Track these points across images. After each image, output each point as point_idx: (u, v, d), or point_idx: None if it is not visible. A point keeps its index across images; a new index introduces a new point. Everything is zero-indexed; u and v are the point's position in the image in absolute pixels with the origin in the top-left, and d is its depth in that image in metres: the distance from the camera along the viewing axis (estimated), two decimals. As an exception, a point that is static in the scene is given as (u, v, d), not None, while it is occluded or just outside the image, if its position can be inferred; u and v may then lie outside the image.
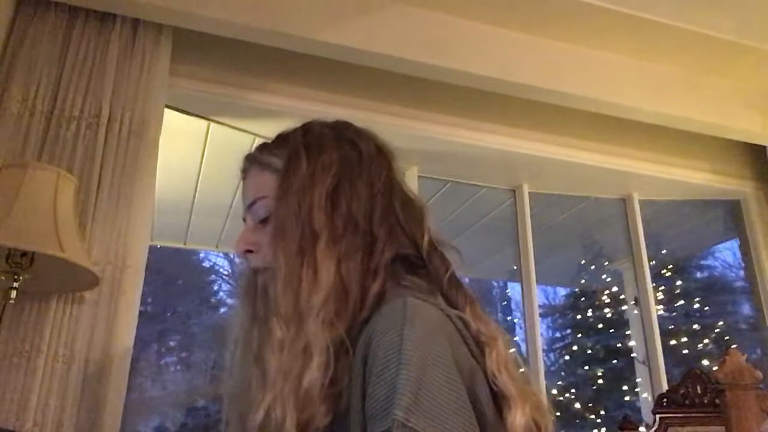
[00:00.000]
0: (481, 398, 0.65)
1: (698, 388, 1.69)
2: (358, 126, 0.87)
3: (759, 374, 1.33)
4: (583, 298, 6.46)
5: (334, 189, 0.76)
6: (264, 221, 0.81)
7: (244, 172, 0.86)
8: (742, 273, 3.75)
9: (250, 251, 0.82)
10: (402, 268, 0.76)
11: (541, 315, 3.28)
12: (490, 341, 0.70)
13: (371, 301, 0.71)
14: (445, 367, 0.62)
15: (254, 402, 0.70)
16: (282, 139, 0.85)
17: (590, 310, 6.30)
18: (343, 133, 0.83)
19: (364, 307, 0.70)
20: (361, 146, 0.81)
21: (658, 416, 1.73)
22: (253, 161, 0.85)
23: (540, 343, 2.71)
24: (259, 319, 0.81)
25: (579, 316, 6.50)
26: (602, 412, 5.95)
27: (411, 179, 2.74)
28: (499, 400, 0.67)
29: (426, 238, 0.78)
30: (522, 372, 0.72)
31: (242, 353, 0.82)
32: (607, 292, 5.78)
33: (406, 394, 0.59)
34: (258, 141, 2.59)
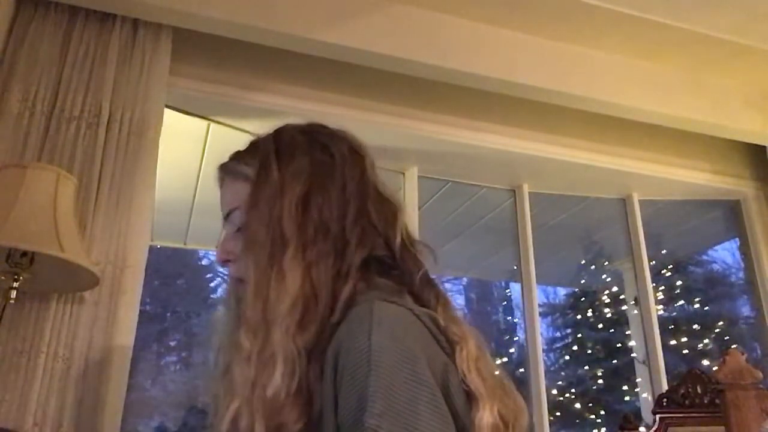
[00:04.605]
0: (454, 394, 0.66)
1: (698, 388, 1.69)
2: (332, 127, 0.86)
3: (759, 374, 1.32)
4: (583, 298, 6.47)
5: (304, 196, 0.76)
6: (240, 230, 0.80)
7: (220, 181, 0.86)
8: (741, 273, 3.74)
9: (228, 260, 0.82)
10: (373, 270, 0.75)
11: (541, 314, 3.28)
12: (460, 340, 0.71)
13: (342, 305, 0.70)
14: (415, 369, 0.62)
15: (221, 410, 0.70)
16: (253, 146, 0.85)
17: (590, 310, 6.30)
18: (314, 138, 0.82)
19: (335, 311, 0.70)
20: (333, 150, 0.80)
21: (658, 416, 1.74)
22: (226, 171, 0.86)
23: (540, 343, 2.71)
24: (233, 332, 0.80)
25: (579, 316, 6.50)
26: (602, 412, 5.94)
27: (411, 179, 2.74)
28: (469, 398, 0.68)
29: (398, 238, 0.78)
30: (496, 371, 0.73)
31: (223, 361, 0.82)
32: (607, 292, 5.79)
33: (377, 400, 0.59)
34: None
